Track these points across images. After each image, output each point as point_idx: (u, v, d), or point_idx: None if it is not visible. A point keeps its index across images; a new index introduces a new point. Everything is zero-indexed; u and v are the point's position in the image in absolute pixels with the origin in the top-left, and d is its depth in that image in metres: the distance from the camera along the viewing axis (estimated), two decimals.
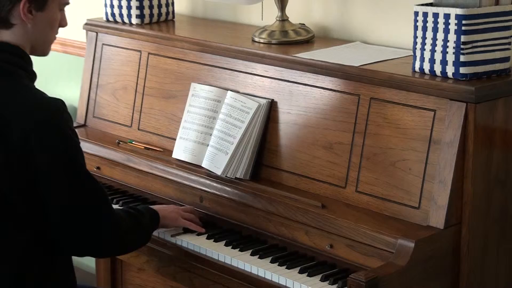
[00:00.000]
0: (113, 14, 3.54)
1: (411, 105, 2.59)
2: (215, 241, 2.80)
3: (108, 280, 3.51)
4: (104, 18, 3.58)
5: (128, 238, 2.63)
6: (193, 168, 3.02)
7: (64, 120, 2.45)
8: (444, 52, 2.53)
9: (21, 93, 2.45)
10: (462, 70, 2.51)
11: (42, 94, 2.47)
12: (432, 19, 2.55)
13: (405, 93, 2.60)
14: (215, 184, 2.91)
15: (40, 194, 2.42)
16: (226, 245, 2.77)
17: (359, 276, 2.33)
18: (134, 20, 3.49)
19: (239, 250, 2.73)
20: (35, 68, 2.57)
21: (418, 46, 2.60)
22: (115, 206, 2.87)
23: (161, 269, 2.93)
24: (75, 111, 3.63)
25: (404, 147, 2.59)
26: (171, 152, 3.14)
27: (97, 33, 3.55)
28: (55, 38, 2.61)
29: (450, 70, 2.53)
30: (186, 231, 2.87)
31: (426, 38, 2.57)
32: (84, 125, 3.54)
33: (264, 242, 2.77)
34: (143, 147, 3.25)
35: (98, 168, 3.28)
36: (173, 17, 3.61)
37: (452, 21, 2.50)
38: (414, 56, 2.63)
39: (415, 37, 2.61)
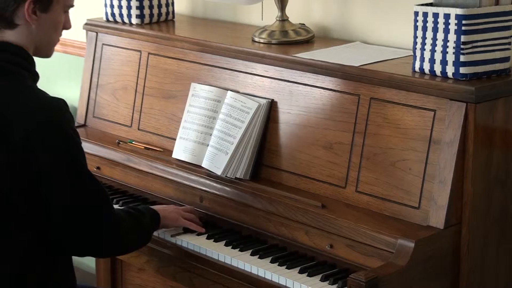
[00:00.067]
0: (113, 14, 3.54)
1: (411, 105, 2.59)
2: (215, 241, 2.80)
3: (108, 280, 3.51)
4: (104, 18, 3.58)
5: (128, 238, 2.63)
6: (193, 168, 3.02)
7: (66, 120, 2.46)
8: (444, 52, 2.53)
9: (23, 94, 2.45)
10: (462, 70, 2.51)
11: (44, 94, 2.47)
12: (432, 19, 2.55)
13: (405, 93, 2.60)
14: (215, 184, 2.91)
15: (41, 194, 2.43)
16: (226, 245, 2.77)
17: (359, 276, 2.33)
18: (134, 20, 3.49)
19: (239, 250, 2.73)
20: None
21: (418, 46, 2.60)
22: (115, 206, 2.87)
23: (161, 269, 2.93)
24: (75, 111, 3.63)
25: (404, 147, 2.59)
26: (171, 152, 3.14)
27: (97, 33, 3.55)
28: (58, 40, 2.61)
29: (450, 70, 2.53)
30: (186, 231, 2.87)
31: (426, 38, 2.57)
32: (84, 125, 3.54)
33: (264, 242, 2.77)
34: (143, 147, 3.25)
35: (98, 168, 3.28)
36: (173, 17, 3.61)
37: (452, 21, 2.50)
38: (414, 56, 2.63)
39: (415, 37, 2.61)
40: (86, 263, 4.15)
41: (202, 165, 2.99)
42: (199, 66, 3.18)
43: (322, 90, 2.80)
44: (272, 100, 2.92)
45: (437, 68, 2.56)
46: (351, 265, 2.54)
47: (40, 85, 2.57)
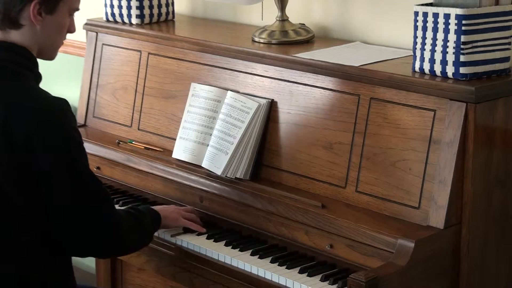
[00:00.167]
0: (113, 14, 3.54)
1: (411, 105, 2.59)
2: (215, 241, 2.80)
3: (108, 280, 3.51)
4: (104, 18, 3.58)
5: (129, 238, 2.63)
6: (193, 168, 3.02)
7: (67, 120, 2.46)
8: (444, 52, 2.53)
9: (26, 94, 2.45)
10: (462, 70, 2.51)
11: (46, 94, 2.48)
12: (432, 19, 2.55)
13: (405, 93, 2.60)
14: (215, 184, 2.91)
15: (42, 194, 2.43)
16: (226, 245, 2.77)
17: (359, 276, 2.33)
18: (134, 20, 3.49)
19: (239, 250, 2.73)
20: None
21: (418, 46, 2.60)
22: (115, 206, 2.87)
23: (161, 269, 2.93)
24: (75, 111, 3.63)
25: (404, 147, 2.59)
26: (171, 152, 3.14)
27: (97, 33, 3.55)
28: (62, 43, 2.62)
29: (450, 70, 2.53)
30: (186, 231, 2.87)
31: (426, 38, 2.57)
32: (84, 125, 3.54)
33: (264, 242, 2.77)
34: (143, 147, 3.25)
35: (98, 168, 3.28)
36: (173, 17, 3.61)
37: (452, 21, 2.50)
38: (414, 56, 2.63)
39: (415, 37, 2.61)
40: (86, 263, 4.15)
41: (202, 165, 2.99)
42: (199, 66, 3.18)
43: (322, 90, 2.80)
44: (272, 100, 2.92)
45: (437, 68, 2.56)
46: (351, 265, 2.54)
47: (40, 85, 2.58)
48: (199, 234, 2.84)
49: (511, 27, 2.57)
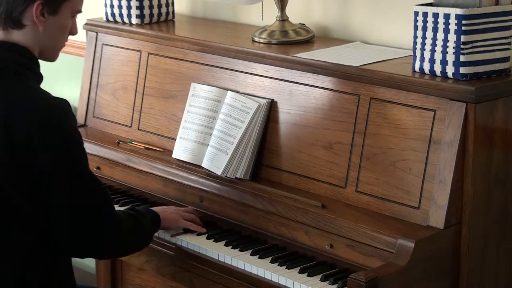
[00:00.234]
0: (113, 14, 3.54)
1: (411, 105, 2.59)
2: (215, 241, 2.80)
3: (108, 280, 3.51)
4: (104, 18, 3.58)
5: (129, 239, 2.63)
6: (193, 168, 3.02)
7: (67, 120, 2.46)
8: (444, 52, 2.53)
9: (26, 94, 2.46)
10: (462, 70, 2.51)
11: (47, 94, 2.48)
12: (432, 19, 2.55)
13: (405, 93, 2.60)
14: (215, 184, 2.91)
15: (42, 194, 2.43)
16: (226, 245, 2.77)
17: (359, 276, 2.33)
18: (134, 20, 3.49)
19: (239, 250, 2.73)
20: None
21: (418, 46, 2.60)
22: (115, 207, 2.87)
23: (161, 269, 2.93)
24: (75, 111, 3.63)
25: (404, 147, 2.59)
26: (171, 152, 3.14)
27: (97, 33, 3.55)
28: (64, 44, 2.62)
29: (450, 70, 2.53)
30: (186, 231, 2.87)
31: (426, 38, 2.57)
32: (84, 125, 3.54)
33: (264, 242, 2.77)
34: (143, 147, 3.25)
35: (98, 168, 3.28)
36: (173, 17, 3.61)
37: (452, 21, 2.50)
38: (414, 56, 2.63)
39: (415, 37, 2.61)
40: (86, 263, 4.15)
41: (202, 165, 2.99)
42: (199, 66, 3.18)
43: (322, 90, 2.80)
44: (272, 100, 2.92)
45: (437, 68, 2.56)
46: (351, 265, 2.54)
47: (41, 85, 2.58)
48: (199, 234, 2.84)
49: (511, 27, 2.57)
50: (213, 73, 3.12)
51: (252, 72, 2.99)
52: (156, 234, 2.84)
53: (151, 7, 3.52)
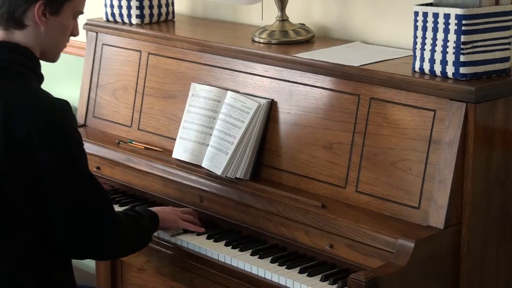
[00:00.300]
0: (113, 14, 3.54)
1: (411, 105, 2.59)
2: (215, 241, 2.80)
3: (108, 280, 3.51)
4: (104, 18, 3.58)
5: (128, 239, 2.63)
6: (193, 168, 3.02)
7: (68, 120, 2.46)
8: (444, 52, 2.53)
9: (27, 94, 2.46)
10: (462, 70, 2.51)
11: (48, 95, 2.48)
12: (432, 19, 2.55)
13: (405, 93, 2.60)
14: (215, 184, 2.91)
15: (42, 194, 2.43)
16: (226, 245, 2.77)
17: (359, 276, 2.33)
18: (134, 20, 3.49)
19: (239, 250, 2.73)
20: None
21: (418, 46, 2.60)
22: (115, 207, 2.87)
23: (161, 269, 2.93)
24: (75, 111, 3.63)
25: (404, 147, 2.59)
26: (171, 152, 3.14)
27: (97, 33, 3.55)
28: (65, 45, 2.63)
29: (450, 70, 2.53)
30: (186, 231, 2.87)
31: (426, 38, 2.57)
32: (84, 125, 3.54)
33: (264, 242, 2.77)
34: (143, 147, 3.25)
35: (98, 168, 3.28)
36: (173, 17, 3.61)
37: (452, 21, 2.50)
38: (414, 56, 2.63)
39: (415, 37, 2.61)
40: (86, 263, 4.15)
41: (202, 165, 2.99)
42: (199, 66, 3.18)
43: (322, 90, 2.80)
44: (272, 100, 2.92)
45: (437, 68, 2.56)
46: (351, 265, 2.54)
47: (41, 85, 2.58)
48: (199, 234, 2.84)
49: (511, 27, 2.57)
50: (213, 73, 3.12)
51: (252, 72, 2.99)
52: (156, 234, 2.84)
53: (151, 7, 3.52)
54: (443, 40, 2.53)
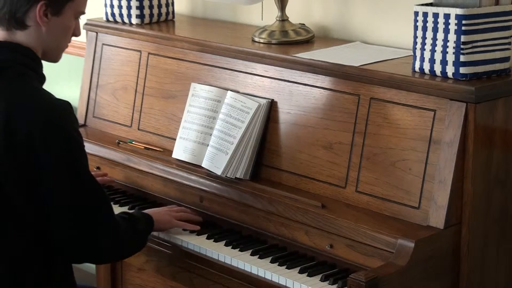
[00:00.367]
0: (113, 14, 3.54)
1: (411, 105, 2.59)
2: (215, 241, 2.80)
3: (108, 280, 3.51)
4: (104, 18, 3.58)
5: (126, 241, 2.62)
6: (193, 168, 3.02)
7: (69, 121, 2.47)
8: (444, 52, 2.53)
9: (28, 94, 2.46)
10: (462, 70, 2.51)
11: (49, 95, 2.49)
12: (432, 19, 2.55)
13: (405, 93, 2.60)
14: (215, 184, 2.91)
15: (41, 194, 2.43)
16: (226, 245, 2.77)
17: (359, 276, 2.33)
18: (134, 20, 3.49)
19: (239, 250, 2.73)
20: None
21: (418, 46, 2.60)
22: (114, 207, 2.87)
23: (161, 269, 2.93)
24: (75, 111, 3.62)
25: (404, 147, 2.59)
26: (171, 152, 3.14)
27: (97, 33, 3.55)
28: (67, 46, 2.63)
29: (450, 70, 2.53)
30: (186, 230, 2.87)
31: (426, 38, 2.57)
32: (84, 125, 3.54)
33: (264, 242, 2.77)
34: (143, 147, 3.25)
35: (98, 168, 3.28)
36: (173, 17, 3.61)
37: (452, 21, 2.50)
38: (414, 56, 2.63)
39: (415, 37, 2.61)
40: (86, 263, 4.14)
41: (202, 165, 2.99)
42: (199, 66, 3.18)
43: (322, 90, 2.80)
44: (272, 100, 2.92)
45: (437, 68, 2.56)
46: (351, 265, 2.54)
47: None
48: (199, 234, 2.84)
49: (511, 27, 2.57)
50: (213, 73, 3.12)
51: (252, 72, 2.99)
52: (156, 234, 2.84)
53: (151, 7, 3.52)
54: (443, 40, 2.53)
